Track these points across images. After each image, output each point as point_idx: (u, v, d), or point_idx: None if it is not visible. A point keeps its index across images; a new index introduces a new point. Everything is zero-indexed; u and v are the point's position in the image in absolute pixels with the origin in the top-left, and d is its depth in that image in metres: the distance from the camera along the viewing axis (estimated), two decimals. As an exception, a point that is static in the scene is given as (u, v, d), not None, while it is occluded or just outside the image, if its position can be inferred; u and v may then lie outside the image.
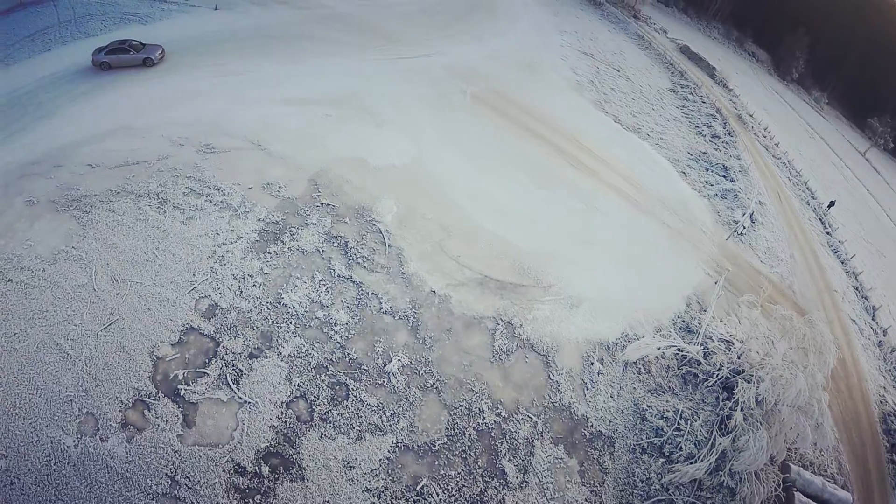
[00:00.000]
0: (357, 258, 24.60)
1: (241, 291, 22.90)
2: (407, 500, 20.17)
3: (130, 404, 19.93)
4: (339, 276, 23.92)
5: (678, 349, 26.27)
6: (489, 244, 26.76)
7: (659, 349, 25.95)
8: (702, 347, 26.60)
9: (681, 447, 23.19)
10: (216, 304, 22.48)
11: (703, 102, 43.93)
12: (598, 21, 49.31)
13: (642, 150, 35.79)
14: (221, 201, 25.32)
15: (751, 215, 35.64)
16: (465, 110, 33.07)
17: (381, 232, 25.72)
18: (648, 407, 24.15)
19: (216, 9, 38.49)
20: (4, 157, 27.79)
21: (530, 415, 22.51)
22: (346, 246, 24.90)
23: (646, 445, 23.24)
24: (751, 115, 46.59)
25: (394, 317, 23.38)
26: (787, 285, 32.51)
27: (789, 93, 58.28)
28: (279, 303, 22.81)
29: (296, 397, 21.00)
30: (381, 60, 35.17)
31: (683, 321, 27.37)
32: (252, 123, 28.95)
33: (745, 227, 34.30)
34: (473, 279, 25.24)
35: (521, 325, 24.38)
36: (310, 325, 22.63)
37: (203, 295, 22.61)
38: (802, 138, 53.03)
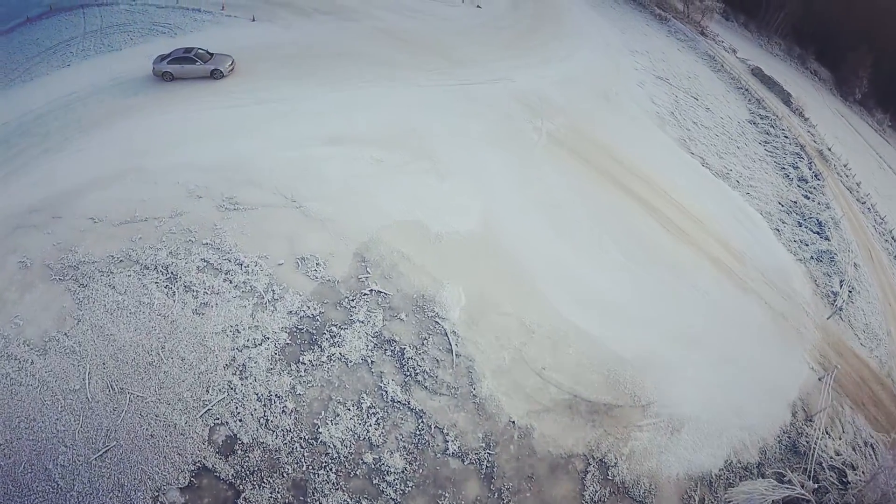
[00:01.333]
0: (416, 373, 16.29)
1: (267, 420, 14.96)
2: None
3: None
4: (393, 400, 15.71)
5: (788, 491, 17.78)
6: (578, 348, 18.07)
7: (768, 495, 17.55)
8: (814, 484, 18.00)
9: None
10: (235, 435, 14.65)
11: (786, 137, 34.56)
12: (665, 38, 39.68)
13: (734, 203, 26.41)
14: (244, 283, 17.10)
15: (849, 286, 27.37)
16: (540, 154, 23.84)
17: (446, 334, 17.14)
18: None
19: (253, 20, 29.40)
20: (1, 201, 20.49)
21: None
22: (402, 355, 16.54)
23: None
24: (829, 150, 37.40)
25: (463, 460, 15.17)
26: (885, 372, 23.01)
27: (853, 115, 48.13)
28: (316, 440, 14.86)
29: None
30: (442, 87, 25.90)
31: (790, 437, 18.66)
32: (286, 169, 20.35)
33: (843, 301, 25.71)
34: (561, 401, 16.76)
35: (615, 464, 16.07)
36: (356, 473, 14.63)
37: (219, 420, 14.85)
38: (873, 170, 43.23)
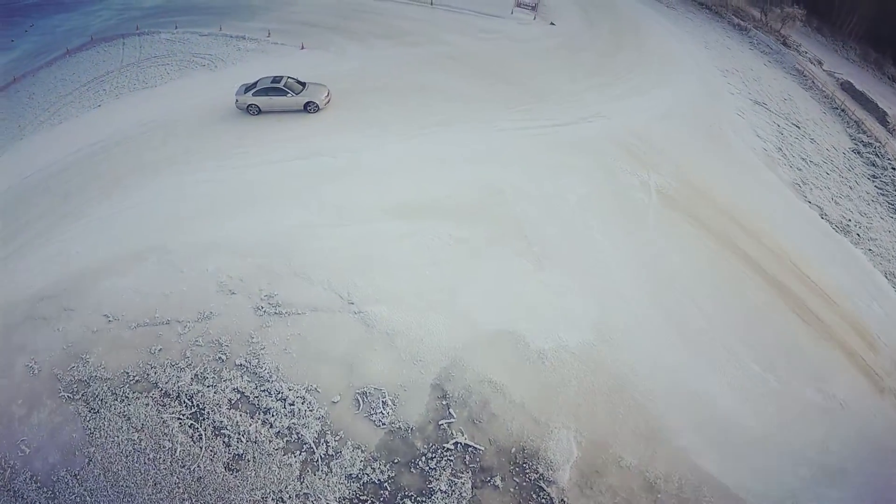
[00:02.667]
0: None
1: None
2: None
3: None
4: None
5: None
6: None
7: None
8: None
9: None
10: None
11: (894, 169, 27.21)
12: (749, 52, 31.23)
13: (861, 267, 17.81)
14: (289, 429, 10.78)
15: None
16: (654, 221, 15.92)
17: (558, 512, 10.96)
18: None
19: (302, 48, 22.32)
20: (8, 285, 13.90)
21: None
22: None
23: None
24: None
25: None
26: None
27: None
28: None
29: None
30: (528, 129, 18.12)
31: None
32: (340, 255, 13.63)
33: None
34: None
35: None
36: None
37: None
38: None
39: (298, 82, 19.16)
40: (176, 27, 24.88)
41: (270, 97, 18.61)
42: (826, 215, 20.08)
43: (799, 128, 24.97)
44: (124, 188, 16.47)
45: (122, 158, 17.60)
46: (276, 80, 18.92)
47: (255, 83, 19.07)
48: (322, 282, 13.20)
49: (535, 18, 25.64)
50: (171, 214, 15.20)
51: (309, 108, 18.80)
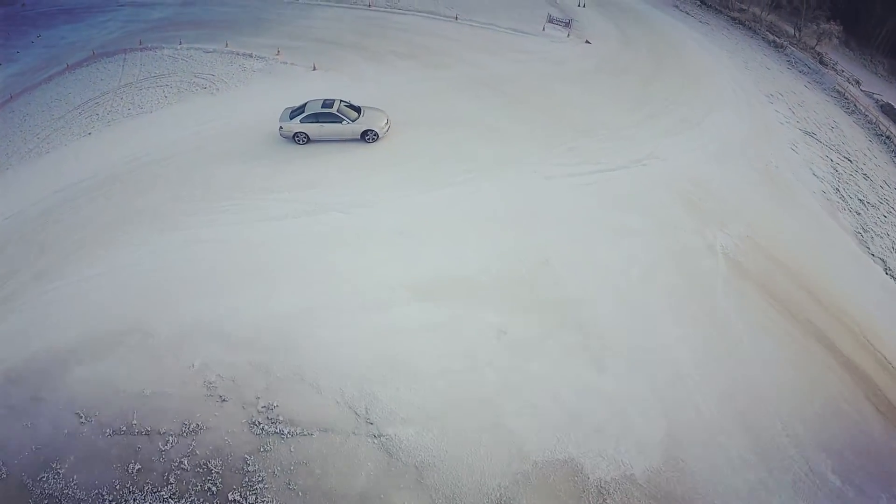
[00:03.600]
0: None
1: None
2: None
3: None
4: None
5: None
6: None
7: None
8: None
9: None
10: None
11: None
12: (788, 72, 26.13)
13: None
14: None
15: None
16: (724, 295, 11.66)
17: None
18: None
19: (314, 69, 17.88)
20: None
21: None
22: None
23: None
24: None
25: None
26: None
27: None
28: None
29: None
30: (573, 175, 13.76)
31: None
32: (353, 353, 9.66)
33: None
34: None
35: None
36: None
37: None
38: None
39: (352, 107, 14.91)
40: (180, 42, 20.46)
41: (322, 124, 14.47)
42: (890, 270, 16.09)
43: (851, 161, 20.66)
44: (105, 245, 12.43)
45: (104, 205, 13.48)
46: (328, 104, 14.66)
47: (303, 107, 14.80)
48: (333, 391, 9.28)
49: (568, 36, 21.05)
50: (153, 284, 11.22)
51: (367, 137, 14.66)
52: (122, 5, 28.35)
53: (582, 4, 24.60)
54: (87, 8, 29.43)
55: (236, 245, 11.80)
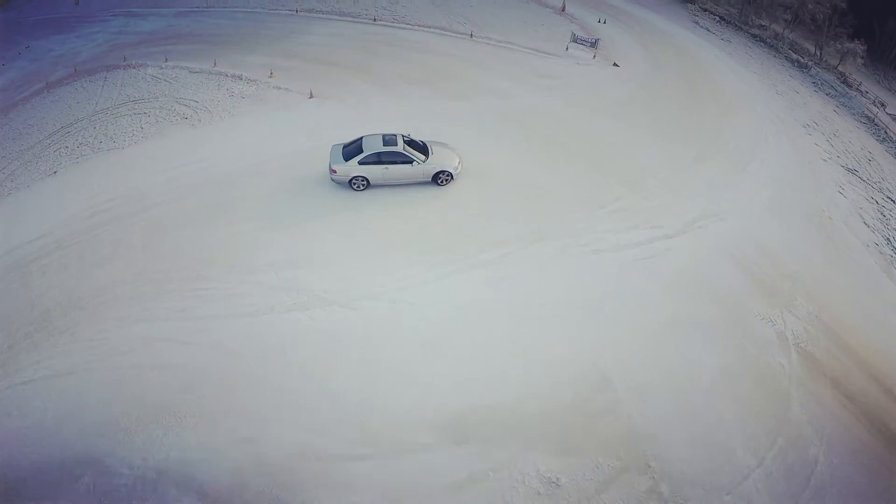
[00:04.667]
0: None
1: None
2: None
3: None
4: None
5: None
6: None
7: None
8: None
9: None
10: None
11: None
12: (816, 95, 21.09)
13: None
14: None
15: None
16: (798, 405, 8.16)
17: None
18: None
19: (311, 97, 13.59)
20: None
21: None
22: None
23: None
24: None
25: None
26: None
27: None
28: None
29: None
30: (624, 247, 9.80)
31: None
32: None
33: None
34: None
35: None
36: None
37: None
38: None
39: (415, 143, 11.12)
40: (166, 60, 16.15)
41: (386, 166, 10.72)
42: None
43: (894, 201, 17.55)
44: (55, 337, 8.61)
45: (57, 279, 9.65)
46: (390, 140, 10.88)
47: (358, 145, 10.91)
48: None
49: (594, 57, 16.78)
50: (108, 400, 7.67)
51: (440, 179, 11.02)
52: (114, 15, 23.94)
53: (602, 21, 20.42)
54: (78, 18, 24.91)
55: (208, 352, 8.07)
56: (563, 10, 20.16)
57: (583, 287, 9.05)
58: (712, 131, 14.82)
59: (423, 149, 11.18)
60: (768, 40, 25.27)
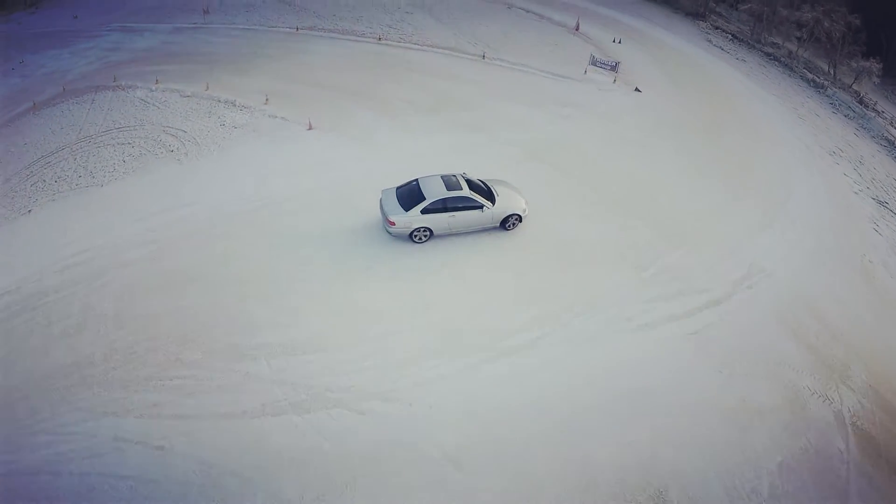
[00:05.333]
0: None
1: None
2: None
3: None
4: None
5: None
6: None
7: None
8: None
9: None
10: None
11: None
12: (834, 118, 18.40)
13: None
14: None
15: None
16: (857, 499, 6.59)
17: None
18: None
19: (310, 128, 11.43)
20: None
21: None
22: None
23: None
24: None
25: None
26: None
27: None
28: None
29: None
30: (670, 318, 7.83)
31: None
32: None
33: None
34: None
35: None
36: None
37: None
38: None
39: (479, 185, 9.09)
40: (157, 81, 13.99)
41: (452, 214, 8.74)
42: None
43: None
44: (16, 426, 6.79)
45: (18, 350, 7.66)
46: (452, 184, 8.89)
47: (415, 189, 8.89)
48: None
49: (615, 82, 14.53)
50: None
51: (508, 224, 9.19)
52: (110, 30, 21.74)
53: (617, 41, 18.27)
54: (75, 32, 22.55)
55: (187, 463, 6.17)
56: (576, 29, 18.01)
57: (632, 374, 7.14)
58: (743, 164, 12.79)
59: (487, 192, 9.08)
60: (782, 59, 22.90)
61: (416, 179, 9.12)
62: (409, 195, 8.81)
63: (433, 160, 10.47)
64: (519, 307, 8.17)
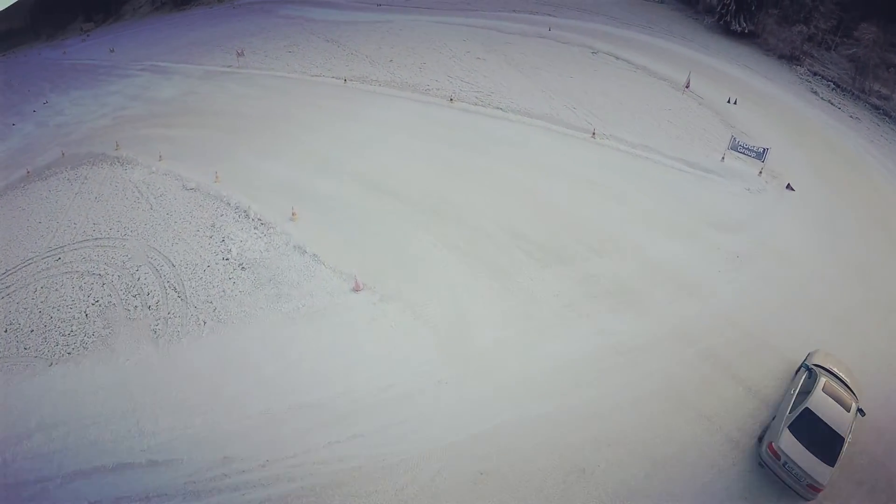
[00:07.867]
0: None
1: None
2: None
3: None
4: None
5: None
6: None
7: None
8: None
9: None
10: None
11: None
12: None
13: None
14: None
15: None
16: None
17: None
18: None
19: (357, 289, 5.05)
20: None
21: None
22: None
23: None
24: None
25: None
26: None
27: None
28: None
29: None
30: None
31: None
32: None
33: None
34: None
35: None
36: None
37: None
38: None
39: (819, 371, 3.41)
40: (160, 157, 8.10)
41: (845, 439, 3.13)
42: None
43: None
44: None
45: None
46: (811, 376, 3.38)
47: (817, 421, 3.19)
48: None
49: (760, 174, 7.86)
50: None
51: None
52: (143, 69, 14.68)
53: (733, 101, 11.18)
54: (108, 68, 15.66)
55: None
56: (687, 87, 10.83)
57: None
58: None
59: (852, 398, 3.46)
60: (893, 114, 16.01)
61: (806, 405, 3.34)
62: (810, 428, 3.25)
63: (576, 379, 4.16)
64: None
